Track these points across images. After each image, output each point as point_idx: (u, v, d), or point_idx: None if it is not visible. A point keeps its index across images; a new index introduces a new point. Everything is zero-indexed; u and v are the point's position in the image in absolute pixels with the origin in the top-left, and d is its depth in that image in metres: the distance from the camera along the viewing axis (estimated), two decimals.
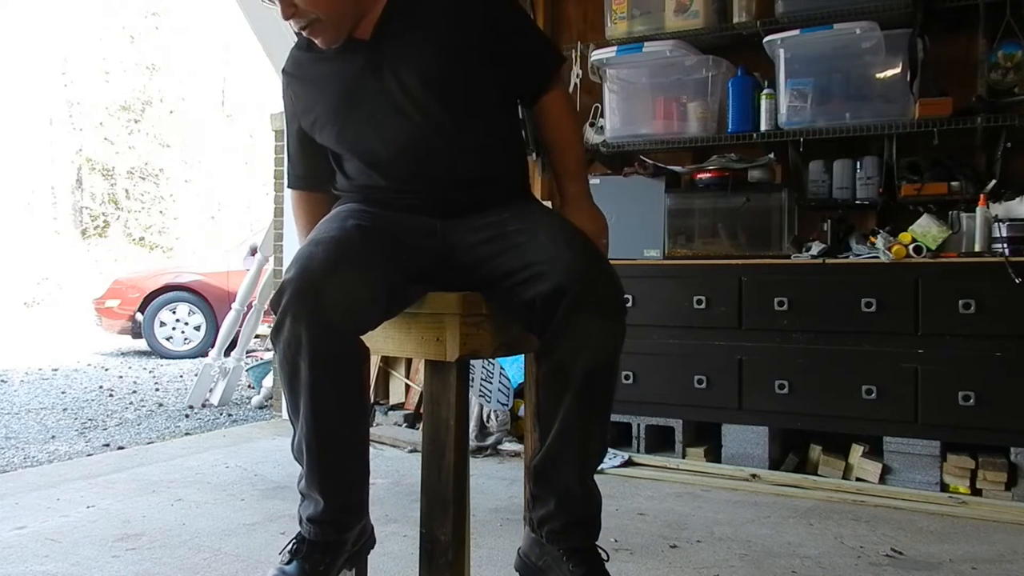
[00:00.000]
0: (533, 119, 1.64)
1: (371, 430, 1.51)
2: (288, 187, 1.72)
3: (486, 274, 1.42)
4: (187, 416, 4.43)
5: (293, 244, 3.00)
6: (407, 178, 1.50)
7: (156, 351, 7.27)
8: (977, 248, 2.63)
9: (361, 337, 1.34)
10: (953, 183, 2.79)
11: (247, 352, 5.02)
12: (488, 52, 1.51)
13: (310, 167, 1.65)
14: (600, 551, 1.43)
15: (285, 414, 3.90)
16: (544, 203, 1.89)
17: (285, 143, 1.70)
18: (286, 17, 1.43)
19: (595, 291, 1.32)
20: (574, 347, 1.32)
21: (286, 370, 1.33)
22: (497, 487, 2.78)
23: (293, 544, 1.41)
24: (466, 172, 1.50)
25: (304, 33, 1.47)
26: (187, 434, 3.91)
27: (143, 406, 4.76)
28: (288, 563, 1.38)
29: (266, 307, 4.79)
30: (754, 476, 2.83)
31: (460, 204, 1.49)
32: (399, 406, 3.77)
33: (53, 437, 3.84)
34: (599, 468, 1.46)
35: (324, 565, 1.37)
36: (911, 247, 2.64)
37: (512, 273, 1.38)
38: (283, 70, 1.61)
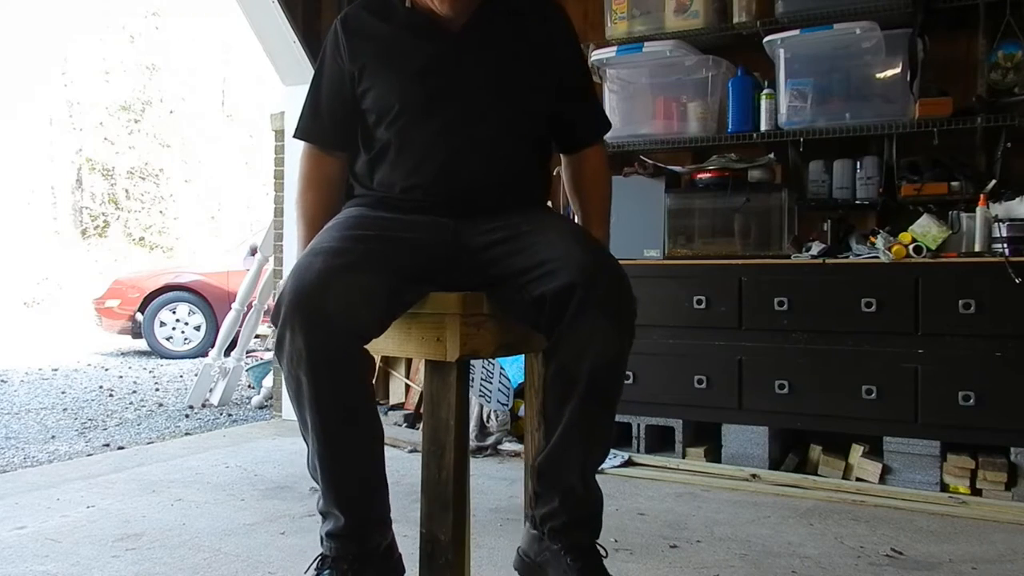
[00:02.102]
0: (568, 165, 1.69)
1: None
2: (307, 141, 1.61)
3: (497, 273, 1.42)
4: (187, 416, 4.43)
5: (293, 244, 2.99)
6: (429, 171, 1.50)
7: (156, 351, 7.27)
8: (977, 248, 2.63)
9: (364, 346, 1.34)
10: (953, 183, 2.79)
11: (247, 352, 5.02)
12: (551, 86, 1.57)
13: (338, 121, 1.58)
14: (599, 548, 1.44)
15: (285, 414, 3.92)
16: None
17: (309, 95, 1.60)
18: None
19: (605, 290, 1.33)
20: (581, 345, 1.33)
21: (291, 384, 1.32)
22: (497, 487, 2.78)
23: (317, 563, 1.39)
24: (490, 177, 1.51)
25: None
26: (187, 434, 3.91)
27: (143, 406, 4.76)
28: None
29: (266, 307, 4.79)
30: (754, 476, 2.83)
31: (477, 206, 1.50)
32: (399, 406, 3.77)
33: (53, 437, 3.84)
34: (600, 468, 1.47)
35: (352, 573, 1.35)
36: (911, 247, 2.64)
37: (524, 271, 1.38)
38: (341, 19, 1.57)
